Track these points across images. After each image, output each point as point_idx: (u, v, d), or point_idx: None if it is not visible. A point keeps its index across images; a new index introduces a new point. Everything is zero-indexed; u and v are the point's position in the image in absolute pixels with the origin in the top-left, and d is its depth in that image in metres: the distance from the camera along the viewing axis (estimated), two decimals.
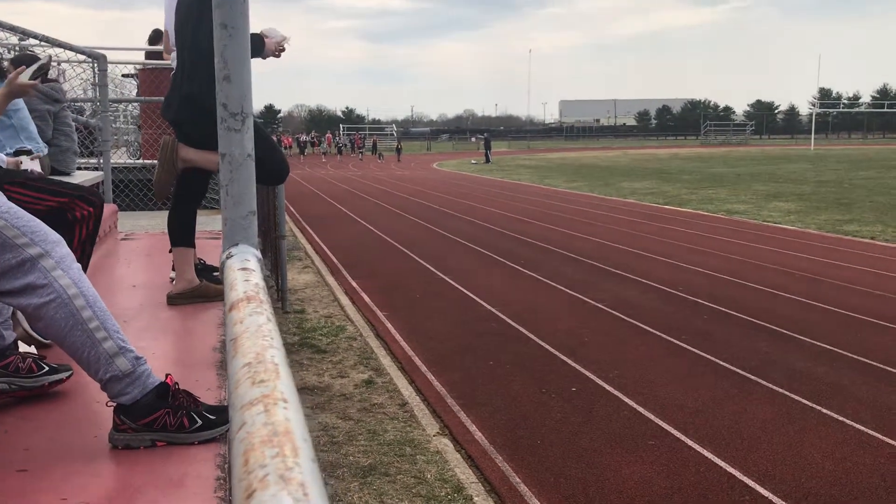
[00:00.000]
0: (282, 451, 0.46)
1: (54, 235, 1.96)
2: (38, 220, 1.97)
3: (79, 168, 6.07)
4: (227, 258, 1.15)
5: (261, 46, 3.37)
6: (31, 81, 2.88)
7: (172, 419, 1.94)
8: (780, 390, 5.18)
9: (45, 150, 4.77)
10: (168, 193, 3.63)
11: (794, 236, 12.35)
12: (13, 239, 1.89)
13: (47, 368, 2.27)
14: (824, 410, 4.83)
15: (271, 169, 3.59)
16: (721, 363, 5.74)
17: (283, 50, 3.46)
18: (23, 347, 2.40)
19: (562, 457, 4.23)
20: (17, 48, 7.07)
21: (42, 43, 6.29)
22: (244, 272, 1.02)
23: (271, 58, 3.48)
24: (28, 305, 1.89)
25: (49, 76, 5.77)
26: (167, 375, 2.01)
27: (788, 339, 6.35)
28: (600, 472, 4.05)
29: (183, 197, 3.64)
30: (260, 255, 1.19)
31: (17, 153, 4.47)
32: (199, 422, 1.96)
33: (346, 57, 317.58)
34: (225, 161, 1.20)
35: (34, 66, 2.96)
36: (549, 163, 41.99)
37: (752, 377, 5.44)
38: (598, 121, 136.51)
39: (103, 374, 1.90)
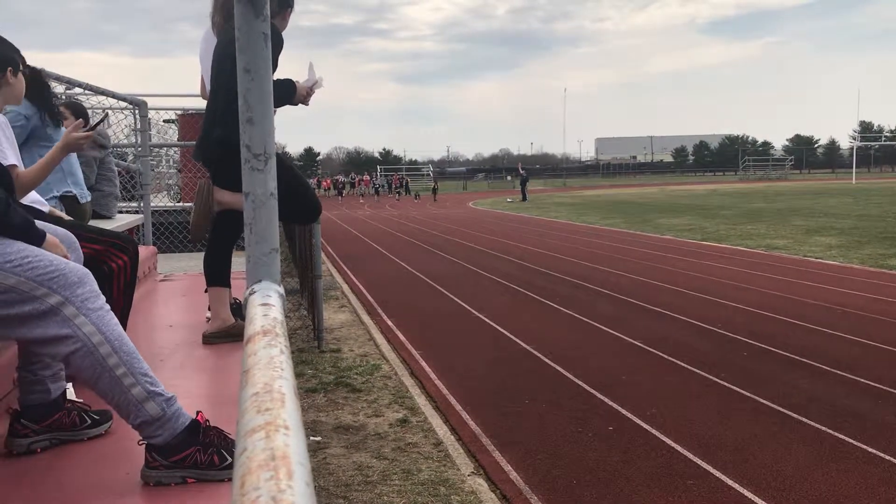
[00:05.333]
0: (276, 475, 0.48)
1: (75, 275, 1.96)
2: (58, 262, 1.97)
3: (120, 211, 6.23)
4: (250, 294, 1.18)
5: (292, 92, 3.43)
6: (86, 133, 2.94)
7: (203, 456, 1.97)
8: (823, 428, 5.06)
9: (90, 197, 4.88)
10: (204, 235, 3.70)
11: (835, 271, 12.13)
12: (30, 292, 1.90)
13: (90, 422, 2.30)
14: (870, 449, 4.70)
15: (304, 207, 3.65)
16: (761, 401, 5.63)
17: (312, 93, 3.52)
18: (71, 393, 2.44)
19: (598, 497, 4.16)
20: (63, 96, 7.31)
21: (86, 91, 6.51)
22: (264, 307, 1.05)
23: (302, 105, 3.54)
24: (57, 354, 1.93)
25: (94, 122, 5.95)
26: (198, 413, 2.03)
27: (831, 376, 6.21)
28: None
29: (218, 238, 3.71)
30: (282, 291, 1.21)
31: (63, 198, 4.59)
32: (230, 459, 1.98)
33: (382, 99, 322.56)
34: (248, 200, 1.24)
35: (93, 124, 3.07)
36: (585, 200, 41.91)
37: (794, 415, 5.32)
38: (634, 157, 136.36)
39: (134, 419, 1.93)
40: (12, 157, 2.82)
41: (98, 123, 3.13)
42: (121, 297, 2.85)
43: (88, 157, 5.45)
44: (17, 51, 2.79)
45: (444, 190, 58.36)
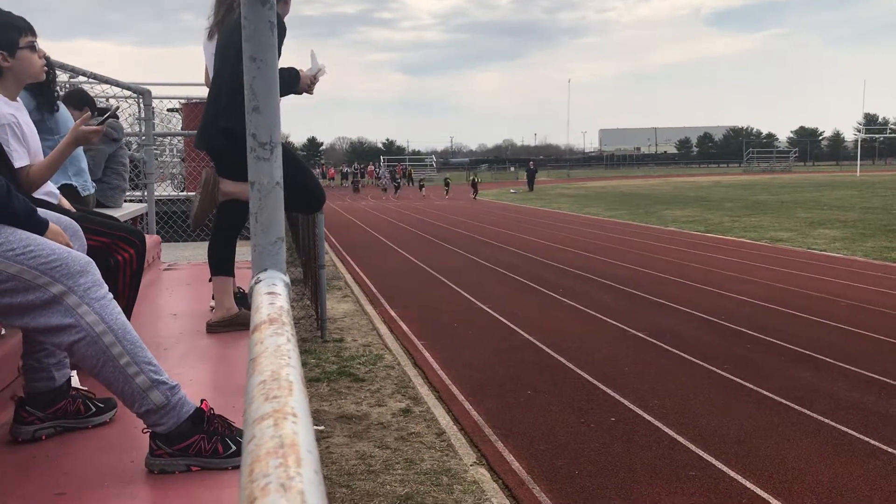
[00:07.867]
0: (285, 462, 0.48)
1: (78, 264, 1.96)
2: (60, 251, 1.97)
3: (124, 200, 6.21)
4: (256, 283, 1.18)
5: (296, 81, 3.43)
6: (96, 127, 2.89)
7: (207, 445, 1.97)
8: (826, 420, 5.06)
9: (93, 189, 4.84)
10: (204, 224, 3.70)
11: (839, 264, 12.11)
12: (33, 281, 1.90)
13: (94, 409, 2.31)
14: (872, 441, 4.70)
15: (308, 197, 3.65)
16: (764, 392, 5.63)
17: (316, 82, 3.53)
18: (76, 381, 2.44)
19: (601, 487, 4.17)
20: (68, 84, 7.30)
21: (90, 80, 6.50)
22: (270, 296, 1.05)
23: (306, 93, 3.55)
24: (61, 343, 1.93)
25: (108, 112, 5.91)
26: (202, 401, 2.04)
27: (834, 368, 6.21)
28: (640, 503, 3.99)
29: (222, 227, 3.71)
30: (288, 280, 1.21)
31: (63, 189, 4.55)
32: (233, 447, 1.99)
33: (386, 89, 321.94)
34: (254, 189, 1.23)
35: (103, 118, 3.03)
36: (589, 191, 41.85)
37: (797, 407, 5.32)
38: (638, 149, 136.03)
39: (138, 407, 1.94)
40: (24, 158, 2.77)
41: (108, 117, 3.10)
42: (126, 289, 2.85)
43: (98, 151, 5.36)
44: (19, 29, 2.68)
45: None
